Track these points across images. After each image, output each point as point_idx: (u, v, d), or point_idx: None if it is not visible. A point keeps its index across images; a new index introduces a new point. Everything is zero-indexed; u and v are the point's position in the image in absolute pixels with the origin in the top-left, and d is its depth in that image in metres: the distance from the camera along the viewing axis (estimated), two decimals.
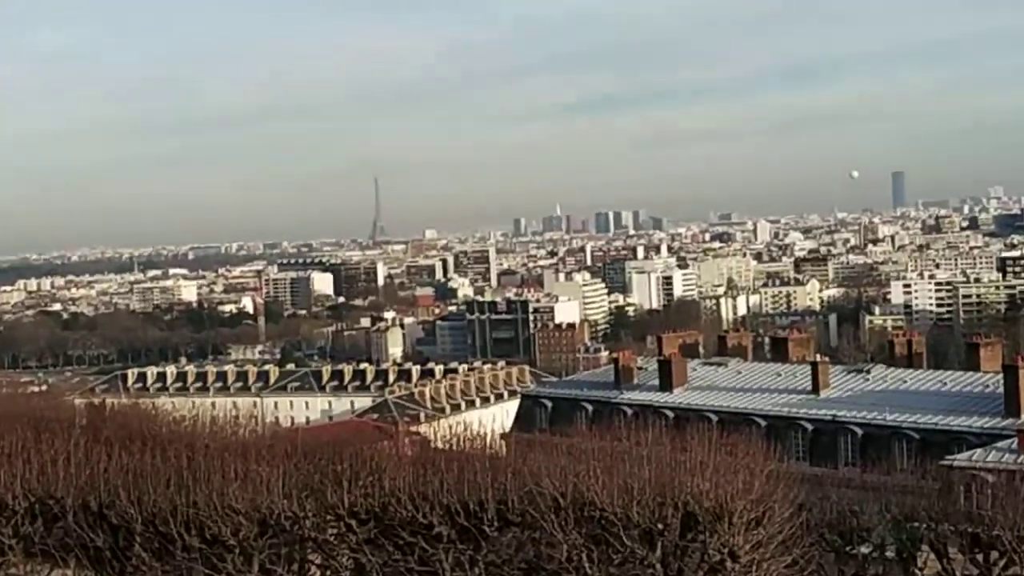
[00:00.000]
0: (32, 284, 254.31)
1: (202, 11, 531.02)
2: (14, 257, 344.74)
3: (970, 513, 15.17)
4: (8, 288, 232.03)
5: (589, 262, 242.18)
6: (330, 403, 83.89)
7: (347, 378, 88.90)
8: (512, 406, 40.42)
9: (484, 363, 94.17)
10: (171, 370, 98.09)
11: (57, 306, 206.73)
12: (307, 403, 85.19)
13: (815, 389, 26.69)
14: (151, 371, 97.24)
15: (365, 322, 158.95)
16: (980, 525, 14.35)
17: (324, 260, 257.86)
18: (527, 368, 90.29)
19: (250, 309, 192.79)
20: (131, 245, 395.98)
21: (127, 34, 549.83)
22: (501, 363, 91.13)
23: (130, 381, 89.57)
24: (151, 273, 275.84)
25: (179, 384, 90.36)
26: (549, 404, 31.25)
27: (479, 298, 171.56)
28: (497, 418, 39.84)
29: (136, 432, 20.17)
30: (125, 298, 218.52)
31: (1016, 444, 23.03)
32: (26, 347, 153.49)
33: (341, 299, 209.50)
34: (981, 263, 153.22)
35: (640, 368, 29.63)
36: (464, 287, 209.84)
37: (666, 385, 27.72)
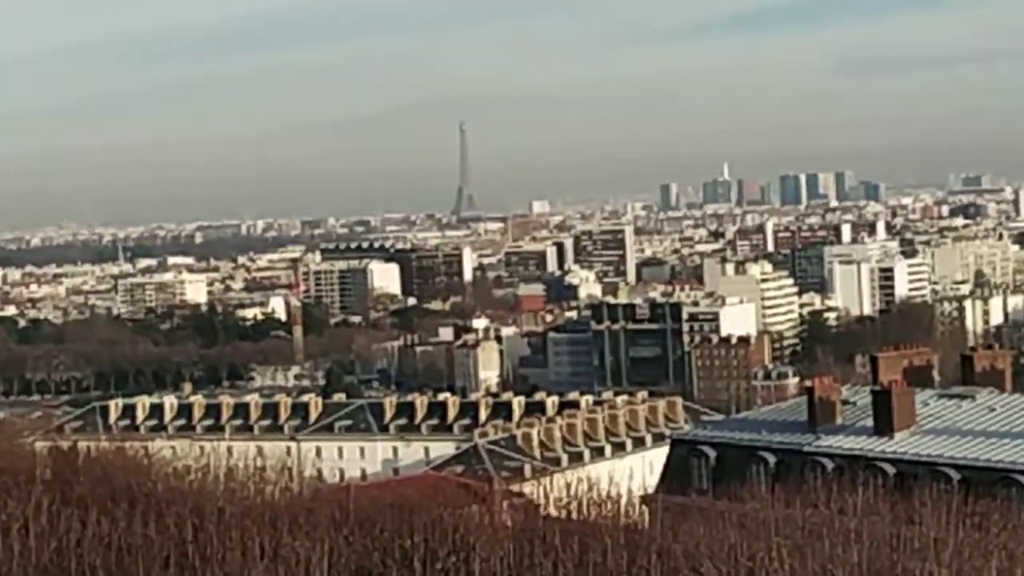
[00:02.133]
0: None
1: None
2: None
3: None
4: None
5: (771, 248, 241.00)
6: (395, 449, 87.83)
7: (420, 414, 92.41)
8: (659, 456, 41.65)
9: (617, 394, 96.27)
10: (170, 401, 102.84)
11: (11, 309, 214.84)
12: (363, 449, 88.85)
13: None
14: (142, 402, 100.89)
15: (446, 334, 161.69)
16: None
17: (387, 244, 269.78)
18: (679, 401, 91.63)
19: (282, 315, 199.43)
20: (113, 223, 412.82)
21: None
22: (642, 394, 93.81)
23: (112, 416, 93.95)
24: (142, 263, 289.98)
25: (182, 421, 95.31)
26: (712, 454, 31.71)
27: (610, 300, 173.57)
28: (637, 473, 41.72)
29: (121, 490, 20.99)
30: (106, 298, 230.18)
31: None
32: None
33: (412, 301, 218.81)
34: None
35: (846, 402, 29.98)
36: (589, 284, 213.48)
37: (885, 428, 27.85)
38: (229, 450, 57.18)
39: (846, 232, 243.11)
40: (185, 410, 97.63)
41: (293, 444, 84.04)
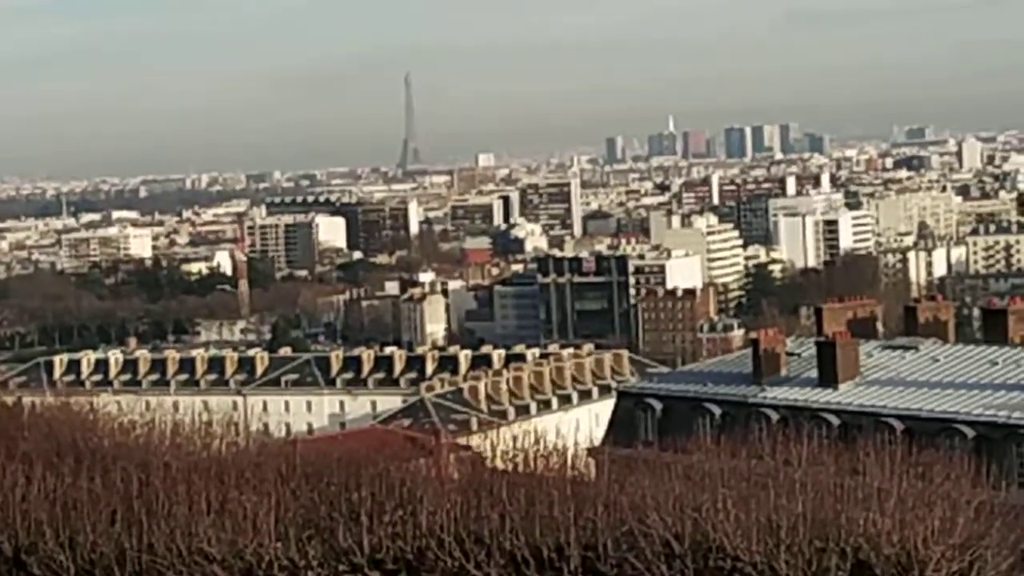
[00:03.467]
0: None
1: None
2: None
3: None
4: None
5: (716, 200, 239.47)
6: (342, 403, 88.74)
7: (366, 368, 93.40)
8: (605, 408, 42.67)
9: (564, 347, 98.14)
10: (116, 356, 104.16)
11: None
12: (309, 404, 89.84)
13: None
14: (87, 357, 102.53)
15: (392, 288, 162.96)
16: None
17: (333, 199, 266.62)
18: (625, 354, 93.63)
19: (227, 270, 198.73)
20: (57, 177, 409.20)
21: None
22: (588, 347, 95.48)
23: (57, 372, 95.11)
24: (86, 218, 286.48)
25: (127, 376, 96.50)
26: (658, 406, 33.07)
27: (556, 253, 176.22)
28: (583, 426, 42.93)
29: (67, 445, 21.35)
30: (49, 253, 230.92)
31: None
32: None
33: (357, 255, 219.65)
34: None
35: (791, 354, 31.26)
36: (535, 237, 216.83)
37: (829, 379, 29.13)
38: (175, 405, 56.88)
39: (791, 184, 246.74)
40: (130, 365, 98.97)
41: (239, 399, 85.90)
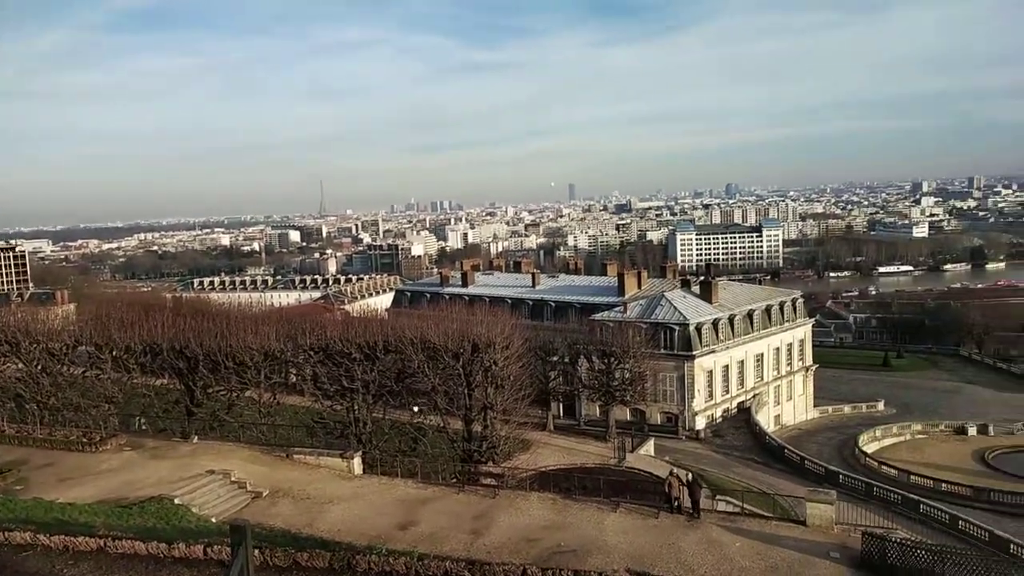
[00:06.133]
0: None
1: None
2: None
3: (603, 340, 64.69)
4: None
5: (428, 225, 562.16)
6: (299, 296, 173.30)
7: (308, 281, 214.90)
8: (390, 296, 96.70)
9: (377, 275, 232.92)
10: (217, 279, 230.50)
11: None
12: (288, 295, 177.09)
13: (533, 284, 77.12)
14: (206, 280, 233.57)
15: (317, 255, 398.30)
16: (606, 346, 63.92)
17: (295, 224, 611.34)
18: (398, 277, 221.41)
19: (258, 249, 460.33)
20: None
21: None
22: (385, 275, 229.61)
23: (195, 285, 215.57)
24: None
25: (221, 287, 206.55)
26: (409, 294, 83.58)
27: (373, 243, 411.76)
28: (384, 303, 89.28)
29: (199, 310, 59.92)
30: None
31: (621, 309, 73.67)
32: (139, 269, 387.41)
33: (304, 243, 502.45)
34: (609, 227, 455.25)
35: (452, 276, 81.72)
36: (367, 237, 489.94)
37: (465, 284, 78.79)
38: (238, 297, 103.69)
39: (453, 221, 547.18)
40: (222, 283, 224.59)
41: (263, 294, 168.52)
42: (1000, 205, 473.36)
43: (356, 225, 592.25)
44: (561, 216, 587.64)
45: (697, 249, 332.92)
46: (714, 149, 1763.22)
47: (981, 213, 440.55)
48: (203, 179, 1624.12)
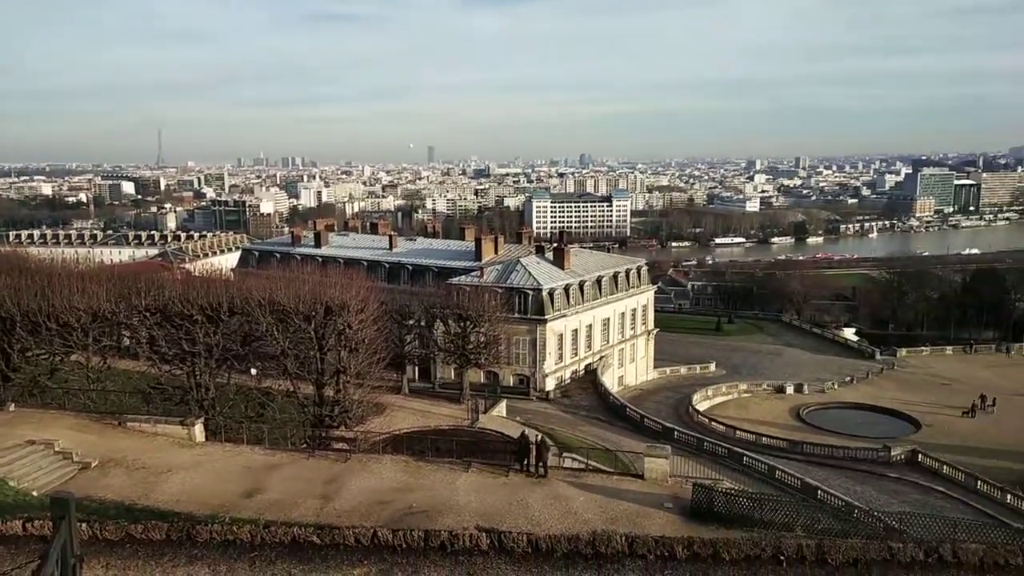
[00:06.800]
0: None
1: None
2: None
3: (459, 304, 64.74)
4: None
5: (279, 180, 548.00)
6: (133, 253, 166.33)
7: (144, 237, 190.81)
8: (237, 255, 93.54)
9: (222, 233, 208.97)
10: (37, 233, 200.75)
11: None
12: (122, 252, 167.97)
13: (390, 247, 75.77)
14: (24, 233, 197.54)
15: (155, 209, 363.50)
16: (462, 310, 64.14)
17: (129, 175, 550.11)
18: (245, 236, 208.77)
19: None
20: None
21: None
22: (231, 232, 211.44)
23: (11, 238, 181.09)
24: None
25: (42, 241, 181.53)
26: (257, 254, 79.15)
27: (218, 198, 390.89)
28: (229, 263, 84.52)
29: (16, 266, 55.10)
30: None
31: (478, 274, 73.60)
32: None
33: (139, 197, 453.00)
34: (468, 191, 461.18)
35: (305, 235, 77.95)
36: (211, 192, 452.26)
37: (318, 244, 75.83)
38: (62, 252, 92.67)
39: (307, 176, 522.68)
40: (43, 236, 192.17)
41: (92, 250, 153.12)
42: (821, 184, 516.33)
43: (199, 178, 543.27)
44: (420, 178, 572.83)
45: (552, 216, 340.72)
46: (570, 120, 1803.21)
47: (805, 191, 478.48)
48: (19, 123, 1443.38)
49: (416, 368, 71.10)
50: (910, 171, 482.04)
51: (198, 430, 32.32)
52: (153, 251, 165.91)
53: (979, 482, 51.97)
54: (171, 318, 38.74)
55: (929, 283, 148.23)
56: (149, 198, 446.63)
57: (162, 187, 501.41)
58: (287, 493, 25.91)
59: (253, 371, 44.20)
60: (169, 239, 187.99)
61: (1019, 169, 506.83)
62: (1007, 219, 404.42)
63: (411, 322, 68.25)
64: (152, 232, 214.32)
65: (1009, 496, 49.86)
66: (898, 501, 48.98)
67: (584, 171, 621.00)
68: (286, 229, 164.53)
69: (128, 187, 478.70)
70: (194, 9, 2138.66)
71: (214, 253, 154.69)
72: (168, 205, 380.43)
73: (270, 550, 19.23)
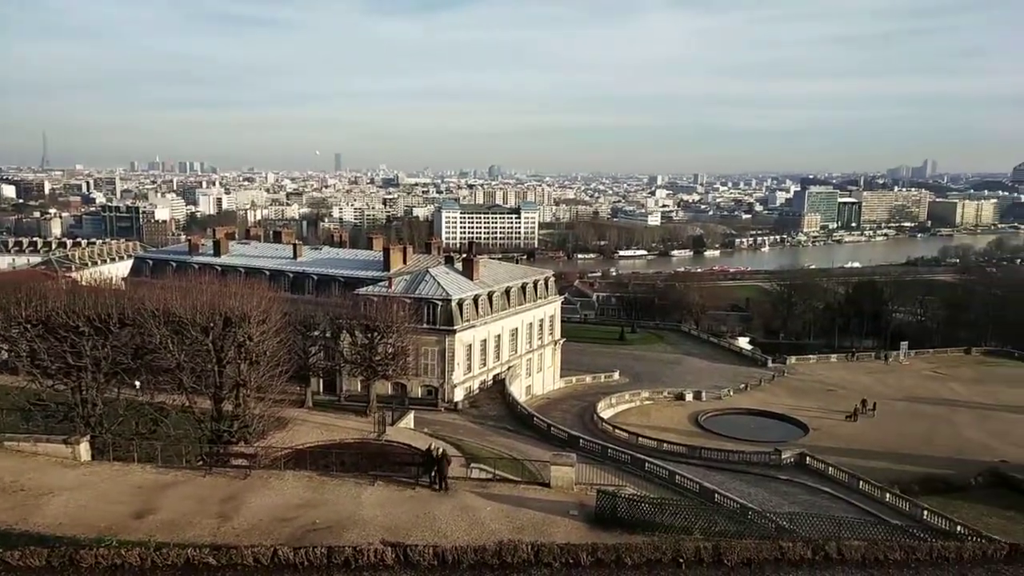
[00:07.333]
0: None
1: None
2: None
3: (366, 315, 62.90)
4: None
5: (176, 185, 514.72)
6: (14, 260, 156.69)
7: (26, 244, 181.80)
8: (129, 264, 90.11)
9: (113, 240, 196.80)
10: None
11: None
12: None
13: (294, 256, 73.76)
14: None
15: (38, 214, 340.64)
16: (369, 320, 62.39)
17: (10, 178, 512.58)
18: (139, 243, 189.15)
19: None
20: None
21: None
22: (123, 240, 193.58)
23: None
24: None
25: None
26: (151, 262, 75.50)
27: (109, 204, 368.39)
28: (121, 271, 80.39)
29: None
30: None
31: (386, 284, 72.26)
32: None
33: (21, 200, 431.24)
34: (376, 200, 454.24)
35: (203, 244, 74.90)
36: (101, 197, 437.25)
37: (217, 253, 72.98)
38: None
39: (205, 183, 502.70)
40: None
41: None
42: (718, 200, 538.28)
43: (88, 183, 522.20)
44: (326, 186, 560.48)
45: (461, 227, 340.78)
46: (480, 131, 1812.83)
47: (703, 207, 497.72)
48: None
49: (321, 381, 69.34)
50: (799, 189, 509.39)
51: (83, 448, 30.40)
52: (36, 259, 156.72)
53: (861, 482, 55.02)
54: (54, 330, 36.35)
55: (816, 295, 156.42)
56: (32, 202, 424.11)
57: (47, 191, 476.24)
58: (181, 513, 24.67)
59: (137, 383, 41.86)
60: (54, 246, 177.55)
61: (895, 188, 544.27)
62: (885, 235, 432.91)
63: (316, 333, 66.58)
64: (35, 239, 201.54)
65: (888, 495, 53.01)
66: (788, 502, 51.22)
67: (493, 183, 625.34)
68: (183, 237, 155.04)
69: (9, 190, 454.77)
70: (90, 4, 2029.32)
71: (104, 261, 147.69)
72: (53, 210, 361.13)
73: (162, 573, 18.22)
